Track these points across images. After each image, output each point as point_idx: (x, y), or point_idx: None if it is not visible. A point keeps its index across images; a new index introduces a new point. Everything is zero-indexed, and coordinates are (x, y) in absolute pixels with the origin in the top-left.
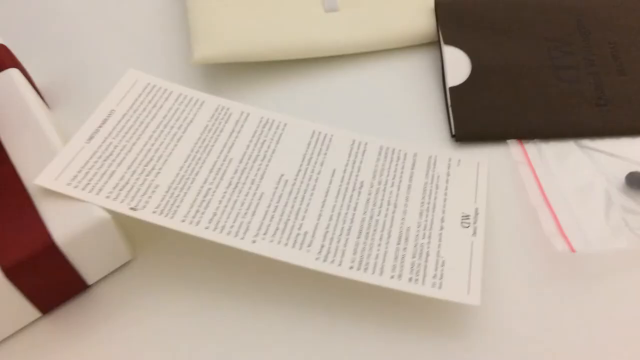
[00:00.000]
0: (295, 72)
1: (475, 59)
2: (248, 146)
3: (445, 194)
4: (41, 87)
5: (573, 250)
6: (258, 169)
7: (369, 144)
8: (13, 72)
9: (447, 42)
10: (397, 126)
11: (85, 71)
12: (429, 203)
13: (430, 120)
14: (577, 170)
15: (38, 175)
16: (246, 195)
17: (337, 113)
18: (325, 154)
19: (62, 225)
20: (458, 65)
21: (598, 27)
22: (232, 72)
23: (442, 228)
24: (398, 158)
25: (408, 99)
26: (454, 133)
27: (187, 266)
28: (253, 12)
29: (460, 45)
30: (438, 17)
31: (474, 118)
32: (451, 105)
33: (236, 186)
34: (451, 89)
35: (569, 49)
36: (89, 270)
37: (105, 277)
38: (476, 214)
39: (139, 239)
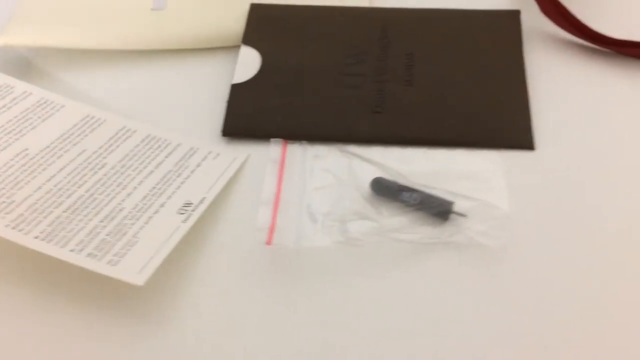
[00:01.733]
0: (118, 62)
1: (266, 60)
2: (10, 121)
3: (182, 183)
4: None
5: (269, 244)
6: (2, 143)
7: (137, 131)
8: None
9: (246, 43)
10: (186, 120)
11: None
12: (159, 189)
13: (218, 116)
14: (328, 173)
15: None
16: None
17: (136, 103)
18: (87, 135)
19: None
20: (249, 65)
21: (400, 38)
22: (60, 59)
23: (156, 212)
24: (158, 147)
25: (206, 95)
26: (222, 128)
27: None
28: (80, 3)
29: (257, 46)
30: (247, 20)
31: (245, 115)
32: (227, 102)
33: None
34: (233, 85)
35: (364, 58)
36: None
37: None
38: (200, 203)
39: None
